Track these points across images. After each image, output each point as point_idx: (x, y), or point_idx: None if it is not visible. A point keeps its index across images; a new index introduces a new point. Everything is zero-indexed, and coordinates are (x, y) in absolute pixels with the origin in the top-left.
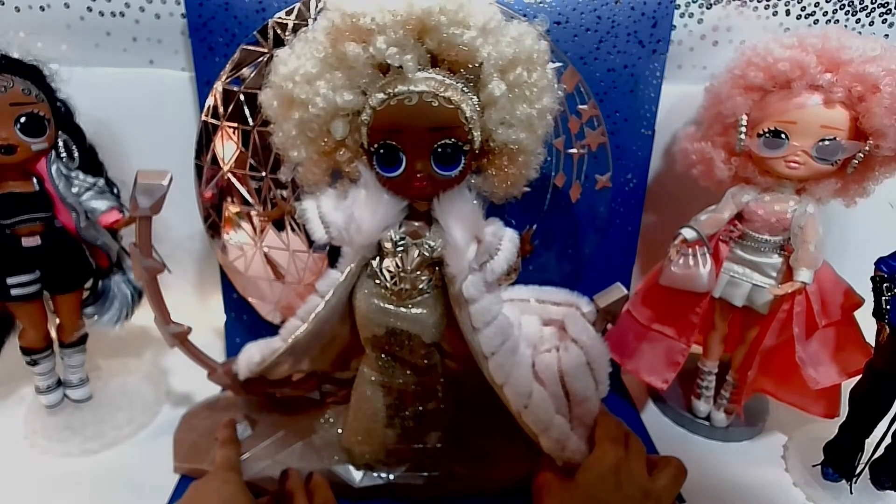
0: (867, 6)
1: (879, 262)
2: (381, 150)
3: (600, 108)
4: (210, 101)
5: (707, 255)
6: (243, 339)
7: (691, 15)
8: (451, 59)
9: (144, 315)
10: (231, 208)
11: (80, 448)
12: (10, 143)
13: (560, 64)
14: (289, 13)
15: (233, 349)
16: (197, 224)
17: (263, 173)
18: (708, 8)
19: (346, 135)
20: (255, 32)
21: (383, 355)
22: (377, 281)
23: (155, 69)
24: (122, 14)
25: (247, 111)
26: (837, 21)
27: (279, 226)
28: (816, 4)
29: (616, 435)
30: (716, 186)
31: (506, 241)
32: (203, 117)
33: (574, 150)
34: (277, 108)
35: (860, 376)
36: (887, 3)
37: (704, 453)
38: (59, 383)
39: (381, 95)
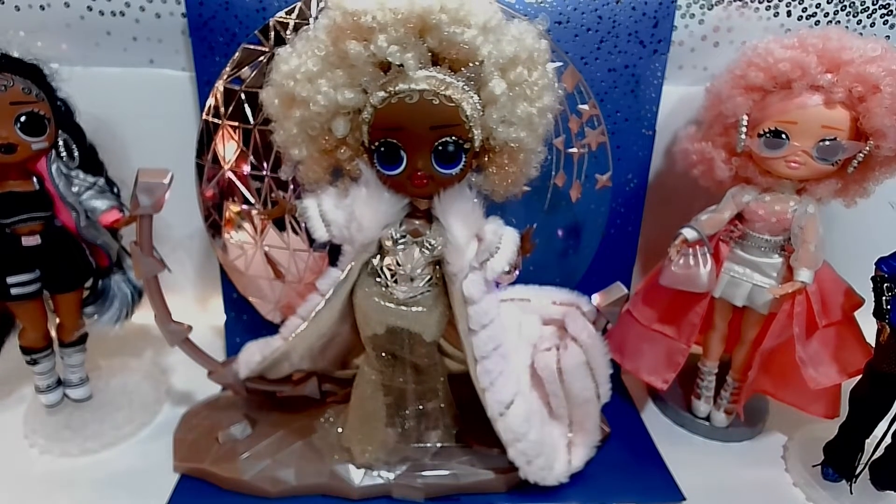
0: (868, 7)
1: (880, 262)
2: (382, 148)
3: (601, 108)
4: (211, 101)
5: (707, 255)
6: (243, 339)
7: (692, 15)
8: (452, 57)
9: (144, 314)
10: (232, 207)
11: (79, 448)
12: (10, 142)
13: (560, 63)
14: (290, 12)
15: (233, 348)
16: (197, 223)
17: (264, 172)
18: (709, 9)
19: (346, 133)
20: (256, 32)
21: (384, 354)
22: (378, 279)
23: (155, 69)
24: (122, 13)
25: (248, 110)
26: (838, 22)
27: (280, 225)
28: (817, 5)
29: None
30: (716, 187)
31: (506, 240)
32: (204, 116)
33: (574, 150)
34: (279, 106)
35: (860, 376)
36: (888, 4)
37: (704, 453)
38: (59, 383)
39: (381, 94)
